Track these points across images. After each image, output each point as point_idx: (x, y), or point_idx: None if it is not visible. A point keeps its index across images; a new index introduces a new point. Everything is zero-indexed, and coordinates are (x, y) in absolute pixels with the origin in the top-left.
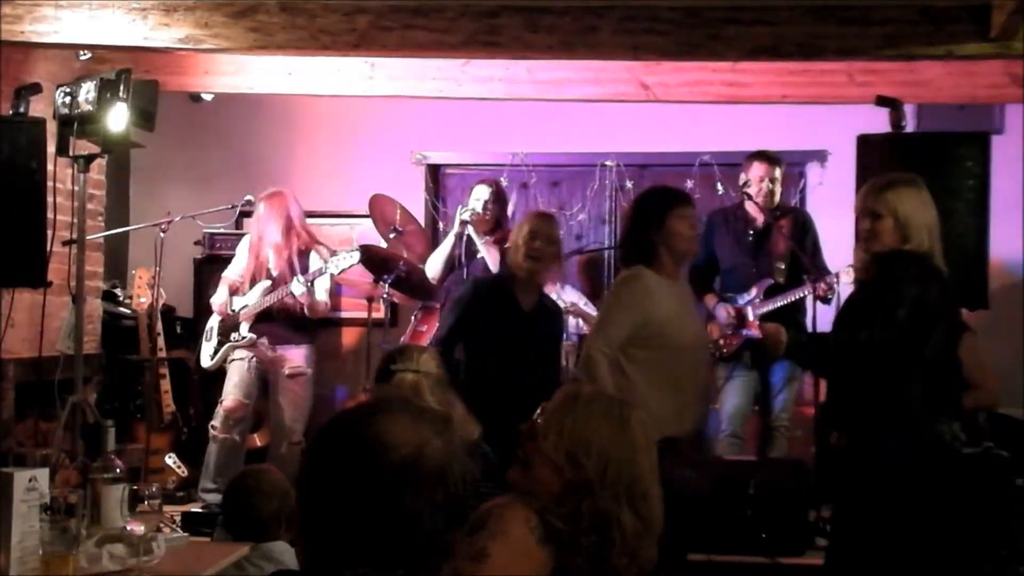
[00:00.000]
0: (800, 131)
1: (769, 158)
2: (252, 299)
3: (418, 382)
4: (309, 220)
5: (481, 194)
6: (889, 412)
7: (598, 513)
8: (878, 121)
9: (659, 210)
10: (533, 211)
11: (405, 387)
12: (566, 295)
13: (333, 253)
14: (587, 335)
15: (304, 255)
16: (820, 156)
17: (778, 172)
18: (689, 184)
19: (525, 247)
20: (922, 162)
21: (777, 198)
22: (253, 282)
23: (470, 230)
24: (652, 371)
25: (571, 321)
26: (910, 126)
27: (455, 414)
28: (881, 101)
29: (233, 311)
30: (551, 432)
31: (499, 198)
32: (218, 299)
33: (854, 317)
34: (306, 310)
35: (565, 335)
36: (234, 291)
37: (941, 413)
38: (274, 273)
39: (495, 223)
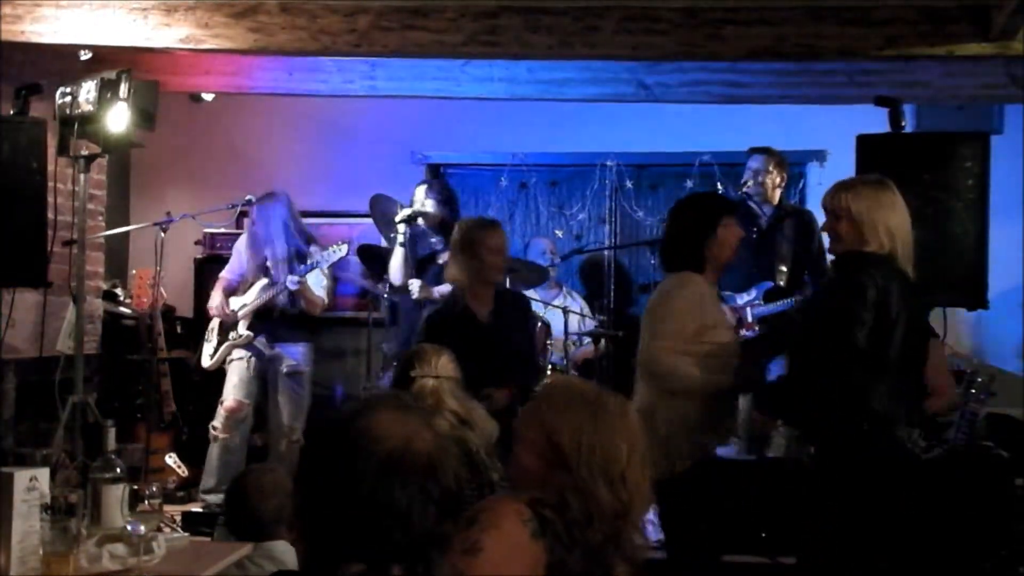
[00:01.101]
0: (800, 131)
1: (767, 152)
2: (250, 298)
3: (439, 387)
4: (309, 220)
5: (420, 196)
6: (854, 416)
7: (577, 491)
8: (878, 121)
9: (711, 217)
10: (479, 222)
11: (426, 393)
12: (566, 298)
13: (324, 248)
14: (643, 346)
15: (302, 255)
16: (820, 156)
17: (773, 167)
18: (689, 184)
19: (493, 262)
20: (922, 162)
21: (775, 195)
22: (252, 282)
23: (420, 229)
24: None
25: (572, 320)
26: (910, 126)
27: (475, 415)
28: (881, 101)
29: (233, 311)
30: (531, 420)
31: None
32: (212, 303)
33: (814, 326)
34: (304, 305)
35: (563, 333)
36: (230, 292)
37: (902, 417)
38: (272, 272)
39: (441, 221)
